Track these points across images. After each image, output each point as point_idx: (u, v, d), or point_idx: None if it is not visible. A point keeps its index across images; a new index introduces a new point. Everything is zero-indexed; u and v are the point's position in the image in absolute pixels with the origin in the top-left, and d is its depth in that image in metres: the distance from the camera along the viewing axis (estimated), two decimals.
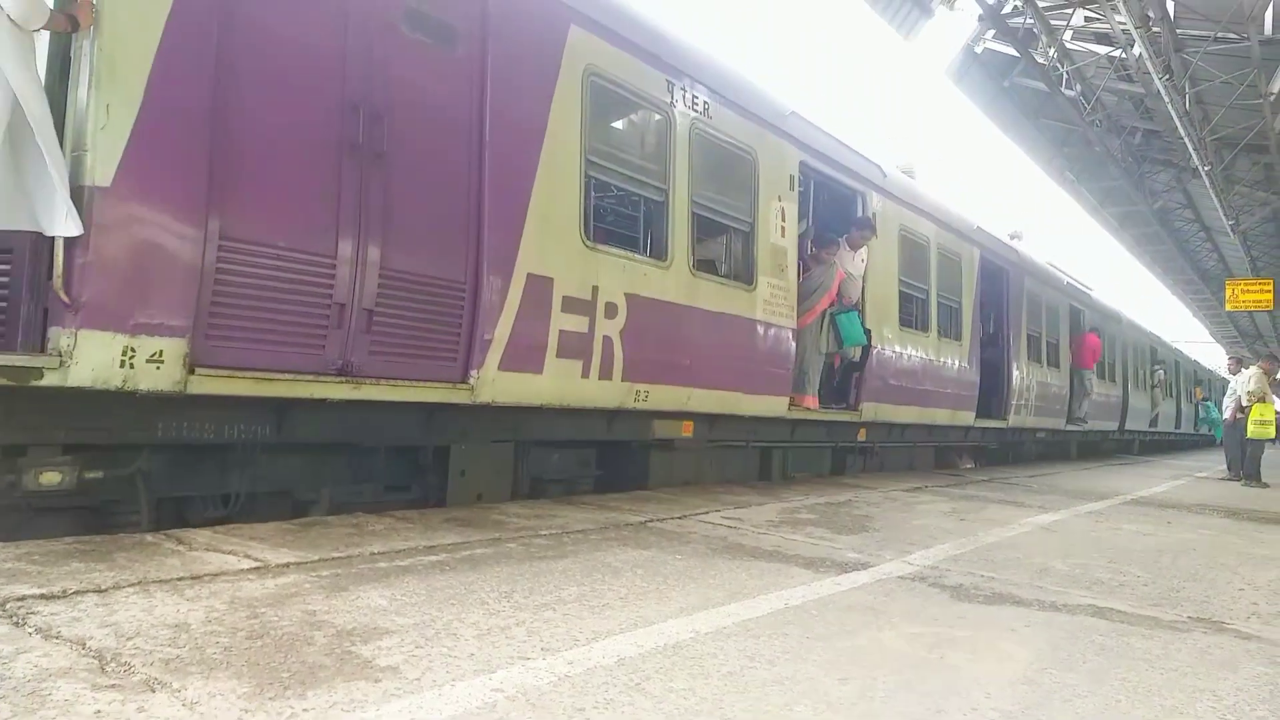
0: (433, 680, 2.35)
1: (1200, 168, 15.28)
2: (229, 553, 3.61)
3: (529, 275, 5.55)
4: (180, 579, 3.16)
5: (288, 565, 3.49)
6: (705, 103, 7.22)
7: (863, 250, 9.29)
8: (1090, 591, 4.24)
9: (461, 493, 5.69)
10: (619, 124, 6.88)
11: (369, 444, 5.20)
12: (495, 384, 5.36)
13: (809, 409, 8.71)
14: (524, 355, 5.54)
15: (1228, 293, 16.68)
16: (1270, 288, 16.34)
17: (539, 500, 6.09)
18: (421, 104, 4.99)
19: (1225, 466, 15.29)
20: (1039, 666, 2.91)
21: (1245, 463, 13.76)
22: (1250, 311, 25.77)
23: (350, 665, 2.41)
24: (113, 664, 2.28)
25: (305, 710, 2.08)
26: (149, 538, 3.84)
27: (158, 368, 3.84)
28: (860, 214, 9.62)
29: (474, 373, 5.24)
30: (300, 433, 4.72)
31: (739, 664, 2.70)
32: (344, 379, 4.58)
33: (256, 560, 3.52)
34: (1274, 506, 9.40)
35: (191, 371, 3.96)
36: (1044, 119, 17.75)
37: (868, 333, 9.40)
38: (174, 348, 3.89)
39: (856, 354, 9.71)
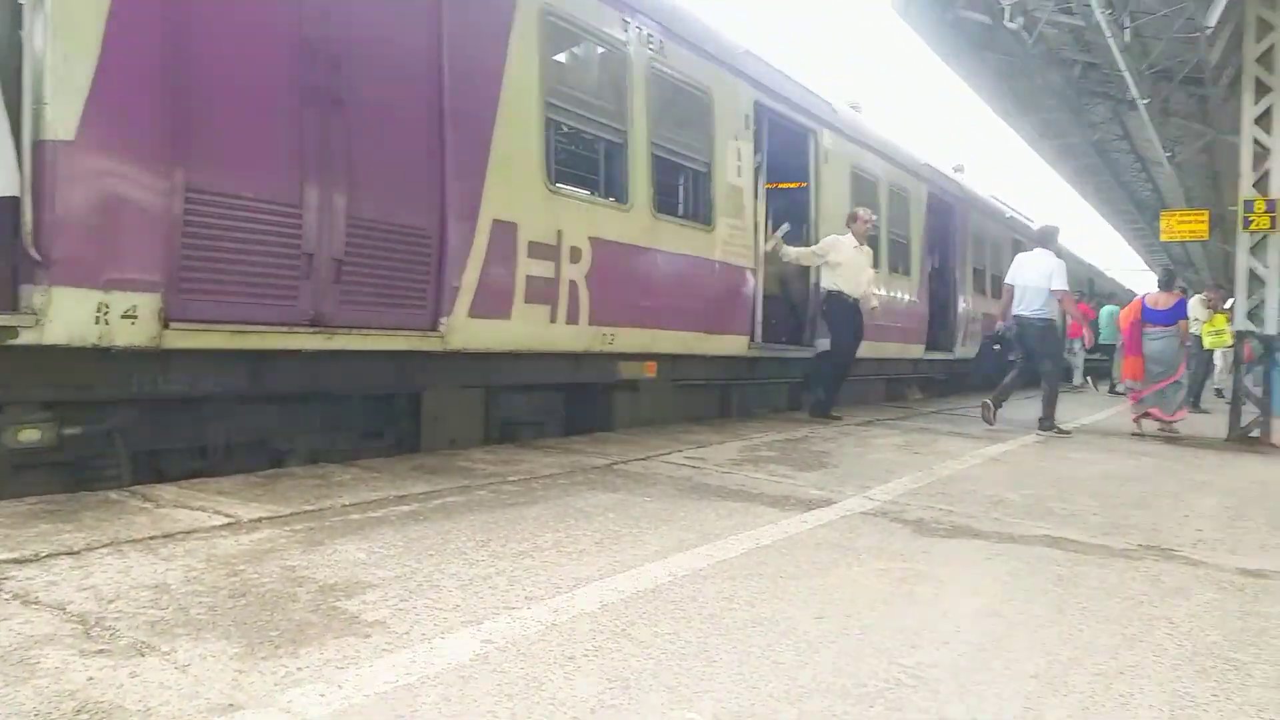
0: (422, 633, 2.37)
1: (1138, 100, 15.49)
2: (198, 509, 3.58)
3: (494, 221, 5.52)
4: (152, 538, 3.12)
5: (260, 520, 3.46)
6: (660, 41, 7.10)
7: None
8: (1044, 522, 4.39)
9: (434, 438, 5.72)
10: (576, 64, 6.76)
11: (342, 392, 5.20)
12: (465, 331, 5.37)
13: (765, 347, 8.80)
14: (492, 302, 5.54)
15: (1163, 224, 16.96)
16: (1205, 219, 16.65)
17: (503, 445, 6.11)
18: (378, 46, 4.85)
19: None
20: (1003, 598, 3.03)
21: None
22: (1183, 241, 26.40)
23: (338, 621, 2.42)
24: (97, 628, 2.25)
25: (300, 669, 2.08)
26: (114, 495, 3.79)
27: (132, 323, 3.79)
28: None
29: (444, 320, 5.23)
30: (274, 384, 4.70)
31: (719, 606, 2.76)
32: (316, 329, 4.56)
33: (228, 516, 3.49)
34: (1209, 432, 9.76)
35: (166, 326, 3.92)
36: (987, 52, 17.75)
37: None
38: (148, 303, 3.85)
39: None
